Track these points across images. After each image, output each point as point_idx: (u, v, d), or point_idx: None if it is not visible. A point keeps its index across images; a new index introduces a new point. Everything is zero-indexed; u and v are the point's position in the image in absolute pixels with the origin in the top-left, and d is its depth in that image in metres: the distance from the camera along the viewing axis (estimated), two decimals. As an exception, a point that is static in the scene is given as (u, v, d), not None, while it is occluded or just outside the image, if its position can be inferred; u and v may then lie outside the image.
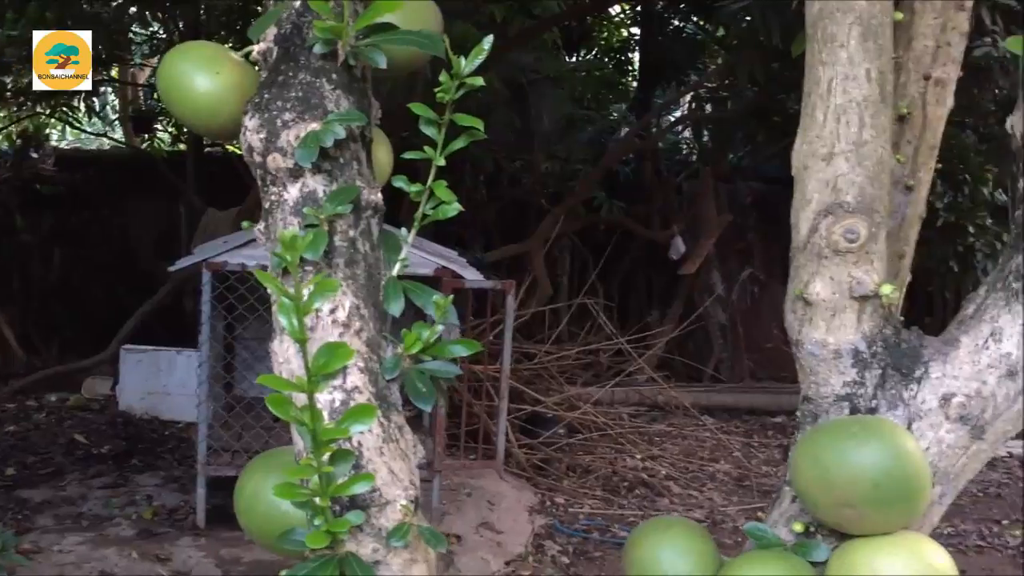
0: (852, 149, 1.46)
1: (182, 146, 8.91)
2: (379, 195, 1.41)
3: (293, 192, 1.36)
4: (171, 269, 4.48)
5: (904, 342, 1.47)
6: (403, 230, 1.42)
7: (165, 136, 9.47)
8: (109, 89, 9.78)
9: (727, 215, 8.10)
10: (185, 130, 8.34)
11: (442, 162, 1.39)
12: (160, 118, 9.10)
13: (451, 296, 1.32)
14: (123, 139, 9.83)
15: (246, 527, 1.37)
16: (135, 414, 6.46)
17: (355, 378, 1.25)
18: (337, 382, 1.23)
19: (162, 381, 6.37)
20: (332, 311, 1.26)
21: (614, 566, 4.23)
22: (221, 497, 4.48)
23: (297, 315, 1.01)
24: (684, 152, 10.01)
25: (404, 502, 1.21)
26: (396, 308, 1.34)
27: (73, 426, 6.26)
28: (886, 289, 1.44)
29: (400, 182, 1.41)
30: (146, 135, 9.32)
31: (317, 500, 1.11)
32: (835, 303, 1.45)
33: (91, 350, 7.36)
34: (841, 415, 1.46)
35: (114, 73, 9.13)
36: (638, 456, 6.02)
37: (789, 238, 1.54)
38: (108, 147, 9.84)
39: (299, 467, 1.10)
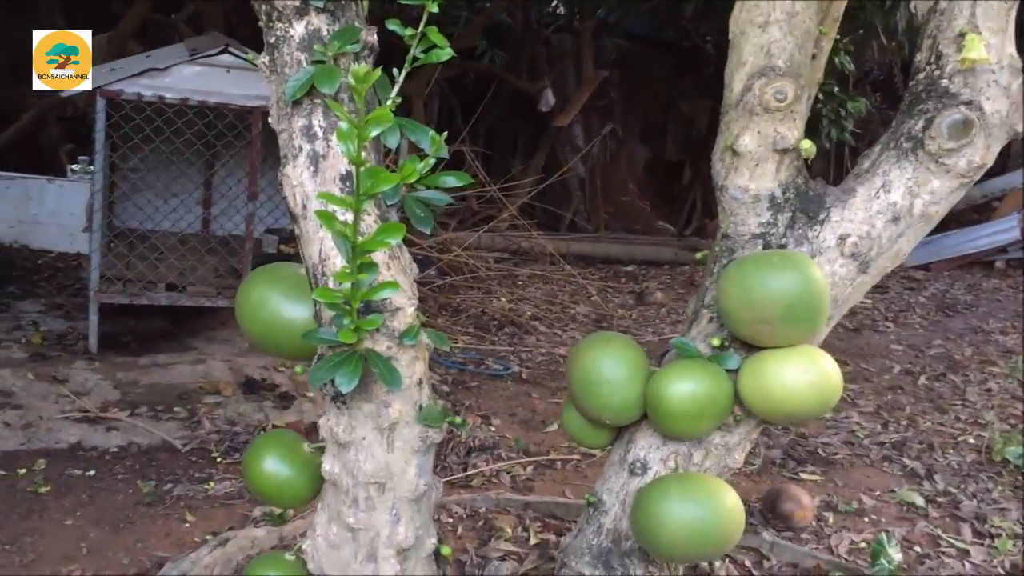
0: (785, 19, 1.68)
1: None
2: (375, 36, 1.53)
3: (299, 29, 1.47)
4: (65, 94, 4.29)
5: (811, 190, 1.74)
6: (395, 70, 1.55)
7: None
8: None
9: (601, 71, 8.28)
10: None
11: (435, 8, 1.52)
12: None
13: (445, 133, 1.49)
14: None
15: (250, 332, 1.53)
16: (3, 243, 6.23)
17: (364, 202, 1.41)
18: (347, 205, 1.39)
19: (32, 210, 6.16)
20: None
21: (489, 394, 4.57)
22: (108, 324, 4.52)
23: (357, 141, 1.16)
24: (553, 5, 10.04)
25: (412, 308, 1.40)
26: (392, 141, 1.48)
27: (-64, 252, 6.05)
28: (805, 144, 1.69)
29: (394, 25, 1.53)
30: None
31: (346, 303, 1.28)
32: (759, 154, 1.70)
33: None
34: (755, 250, 1.73)
35: None
36: (504, 299, 6.35)
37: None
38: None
39: (338, 274, 1.27)
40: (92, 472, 3.31)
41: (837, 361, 5.61)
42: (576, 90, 8.30)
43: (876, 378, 5.31)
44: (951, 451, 4.17)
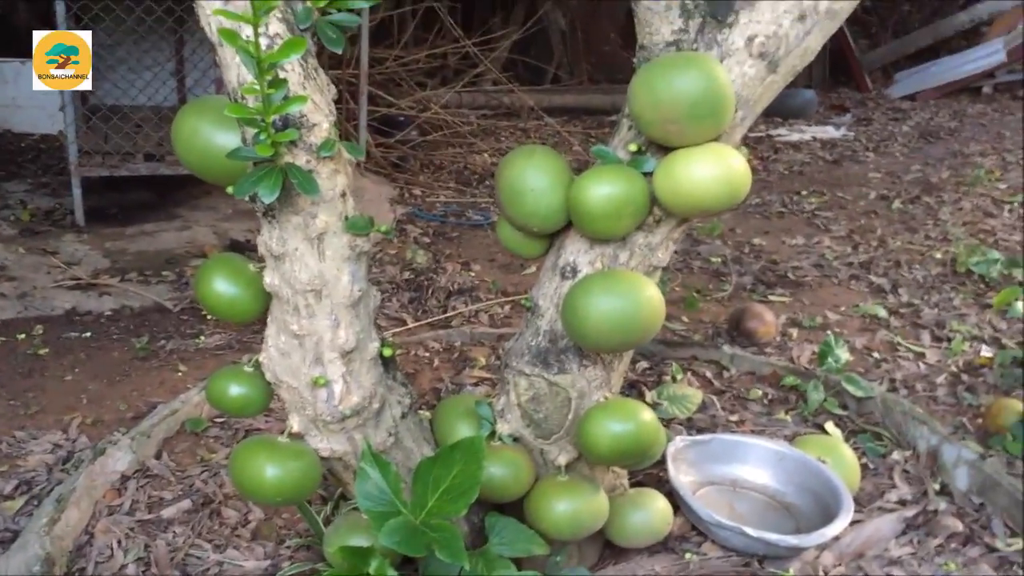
0: None
1: None
2: None
3: None
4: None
5: (720, -5, 1.80)
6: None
7: None
8: None
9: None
10: None
11: None
12: None
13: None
14: None
15: (186, 161, 1.63)
16: (-14, 127, 6.32)
17: (276, 27, 1.48)
18: (261, 30, 1.46)
19: (10, 93, 6.20)
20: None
21: (470, 243, 4.70)
22: (94, 199, 4.64)
23: (246, -43, 1.23)
24: None
25: (328, 124, 1.50)
26: (300, -33, 1.54)
27: (-84, 140, 6.14)
28: (707, -53, 1.74)
29: None
30: None
31: (261, 119, 1.38)
32: (668, -38, 1.75)
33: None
34: (667, 57, 1.80)
35: None
36: (486, 153, 6.41)
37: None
38: None
39: (246, 88, 1.36)
40: (88, 334, 3.48)
41: (814, 192, 5.78)
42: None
43: (851, 205, 5.41)
44: (917, 266, 4.31)
